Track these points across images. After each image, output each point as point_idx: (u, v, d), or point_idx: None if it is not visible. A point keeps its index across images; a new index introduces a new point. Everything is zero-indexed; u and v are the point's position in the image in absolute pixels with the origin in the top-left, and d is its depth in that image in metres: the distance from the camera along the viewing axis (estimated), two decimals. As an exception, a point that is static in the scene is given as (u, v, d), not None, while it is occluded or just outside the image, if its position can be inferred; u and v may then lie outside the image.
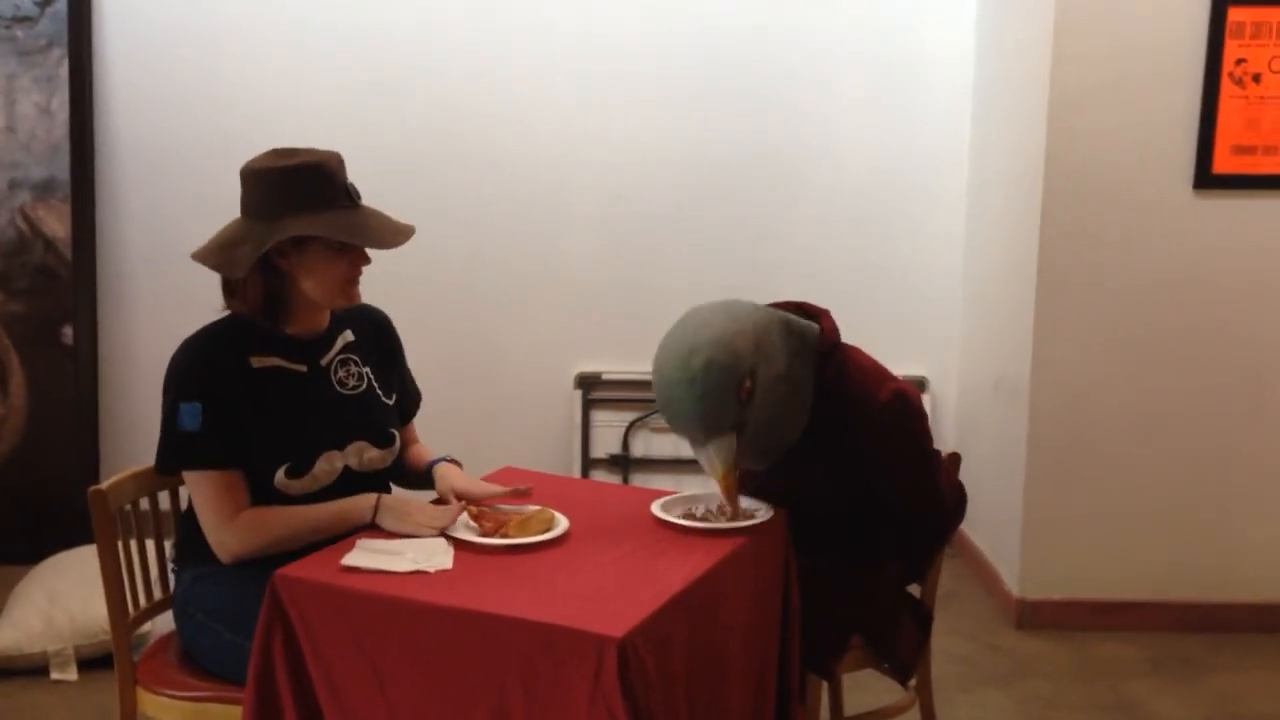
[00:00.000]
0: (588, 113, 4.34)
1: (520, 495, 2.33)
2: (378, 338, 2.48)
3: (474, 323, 4.41)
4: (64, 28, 4.13)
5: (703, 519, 2.24)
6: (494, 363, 4.43)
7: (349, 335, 2.40)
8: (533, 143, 4.34)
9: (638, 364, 4.43)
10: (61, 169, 4.16)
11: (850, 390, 2.28)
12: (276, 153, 2.24)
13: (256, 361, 2.25)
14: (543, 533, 2.10)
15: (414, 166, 4.28)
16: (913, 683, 2.61)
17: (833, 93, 4.35)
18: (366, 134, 4.22)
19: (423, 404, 2.61)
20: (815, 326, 2.31)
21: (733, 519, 2.23)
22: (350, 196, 2.25)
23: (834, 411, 2.28)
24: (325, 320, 2.36)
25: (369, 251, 2.28)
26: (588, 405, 4.43)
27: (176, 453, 2.21)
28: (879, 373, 2.33)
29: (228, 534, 2.17)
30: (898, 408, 2.28)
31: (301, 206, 2.19)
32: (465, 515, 2.17)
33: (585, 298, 4.45)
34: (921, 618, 2.56)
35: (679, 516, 2.24)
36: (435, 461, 2.44)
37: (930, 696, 2.65)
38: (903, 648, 2.50)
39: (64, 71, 4.14)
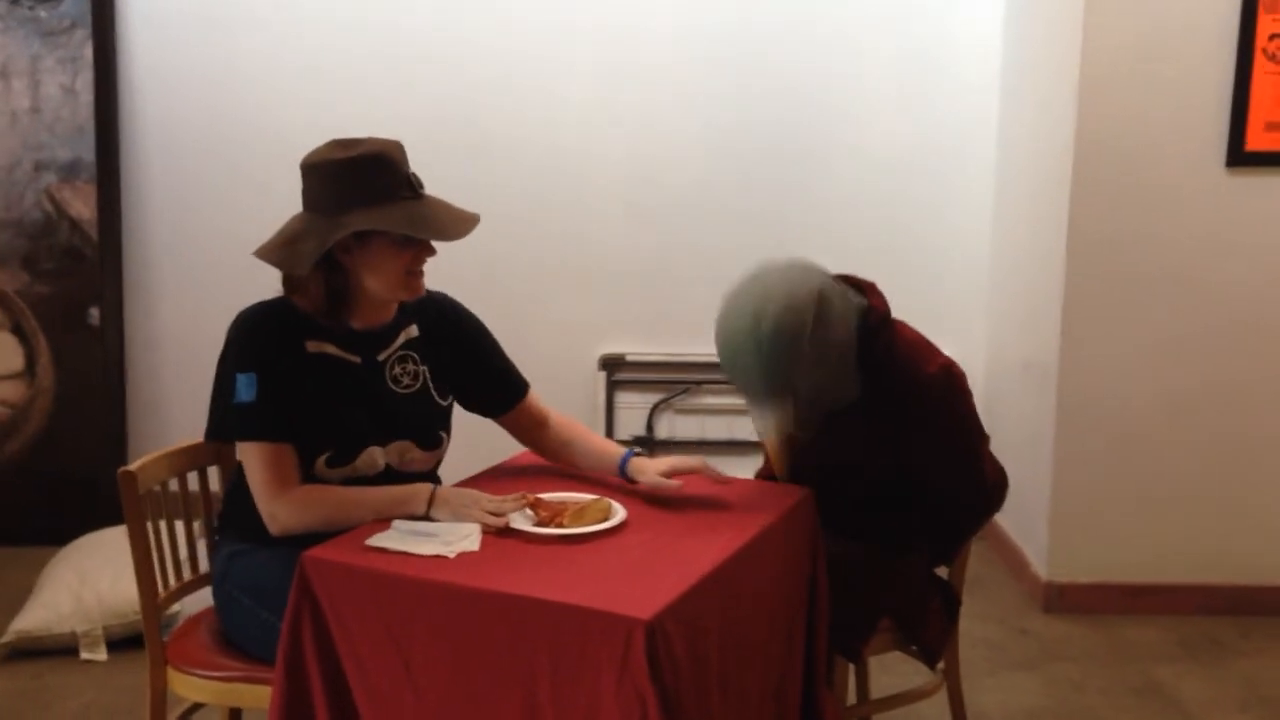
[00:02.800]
0: (612, 96, 4.31)
1: (721, 483, 2.29)
2: (445, 334, 2.41)
3: (498, 306, 4.32)
4: (87, 8, 4.13)
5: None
6: (518, 345, 4.34)
7: (413, 331, 2.36)
8: (557, 126, 4.33)
9: (662, 345, 4.42)
10: (87, 150, 4.17)
11: (898, 364, 2.26)
12: (337, 144, 2.21)
13: (311, 346, 2.24)
14: (599, 522, 2.08)
15: (437, 151, 4.20)
16: (940, 666, 2.60)
17: (859, 75, 4.31)
18: (389, 118, 4.18)
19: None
20: (864, 300, 2.29)
21: (776, 477, 2.22)
22: (413, 186, 2.21)
23: (881, 385, 2.27)
24: (391, 313, 2.33)
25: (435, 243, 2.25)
26: (612, 387, 4.42)
27: (231, 422, 2.20)
28: (928, 347, 2.32)
29: (279, 506, 2.16)
30: (945, 382, 2.27)
31: (364, 200, 2.16)
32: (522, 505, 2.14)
33: (609, 280, 4.43)
34: (949, 601, 2.54)
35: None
36: (628, 457, 2.35)
37: (958, 680, 2.64)
38: (930, 631, 2.49)
39: (88, 52, 4.14)
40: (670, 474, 2.27)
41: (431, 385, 2.37)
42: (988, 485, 2.42)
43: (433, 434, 2.35)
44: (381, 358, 2.31)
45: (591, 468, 2.42)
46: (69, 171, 4.17)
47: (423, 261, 2.25)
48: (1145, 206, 3.60)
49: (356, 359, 2.27)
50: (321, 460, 2.21)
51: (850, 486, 2.37)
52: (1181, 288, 3.64)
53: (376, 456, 2.25)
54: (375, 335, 2.31)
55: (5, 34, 4.11)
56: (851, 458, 2.36)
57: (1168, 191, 3.59)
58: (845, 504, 2.36)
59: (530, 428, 2.51)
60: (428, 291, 2.41)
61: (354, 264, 2.21)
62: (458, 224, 2.22)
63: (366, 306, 2.28)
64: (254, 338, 2.20)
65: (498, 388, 2.49)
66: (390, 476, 2.27)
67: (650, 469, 2.29)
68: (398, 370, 2.32)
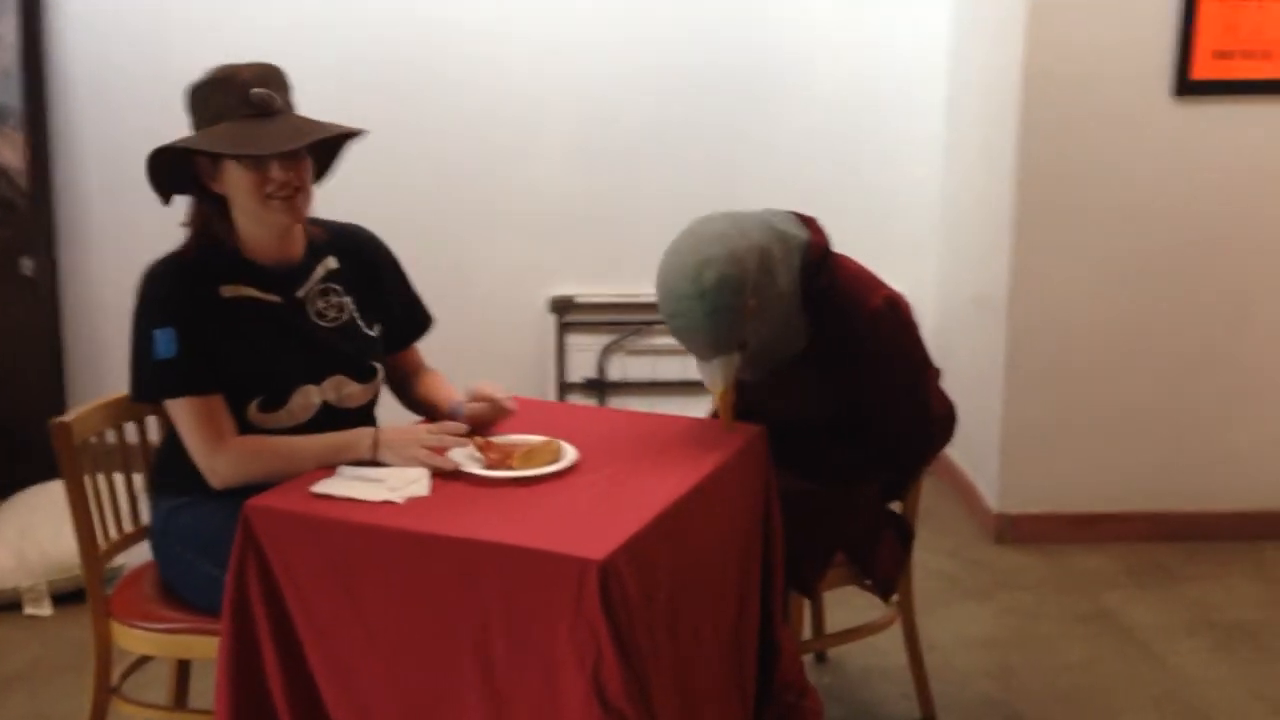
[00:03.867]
0: (559, 35, 4.23)
1: (503, 412, 2.25)
2: (363, 264, 2.35)
3: (444, 246, 4.33)
4: (10, -53, 3.98)
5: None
6: (465, 287, 4.36)
7: (331, 263, 2.30)
8: (501, 60, 4.24)
9: (612, 286, 4.38)
10: (13, 96, 4.03)
11: (840, 298, 2.25)
12: (211, 69, 2.14)
13: (226, 291, 2.17)
14: (549, 464, 2.05)
15: (377, 84, 4.16)
16: (894, 598, 2.61)
17: (807, 12, 4.25)
18: (328, 51, 4.10)
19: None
20: (804, 236, 2.27)
21: (727, 430, 2.20)
22: (253, 104, 2.08)
23: (825, 321, 2.25)
24: (298, 248, 2.25)
25: (323, 167, 2.21)
26: (562, 329, 4.38)
27: (154, 381, 2.14)
28: (870, 280, 2.30)
29: (219, 460, 2.11)
30: (888, 314, 2.26)
31: (204, 123, 2.10)
32: (470, 447, 2.10)
33: (557, 219, 4.37)
34: (903, 534, 2.55)
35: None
36: (458, 406, 2.28)
37: (912, 611, 2.66)
38: (884, 564, 2.49)
39: (12, -6, 4.00)
40: (476, 399, 2.23)
41: (358, 316, 2.31)
42: (934, 418, 2.41)
43: (365, 365, 2.29)
44: (301, 294, 2.24)
45: (428, 406, 2.38)
46: (-5, 118, 4.04)
47: (280, 183, 2.11)
48: (1094, 137, 3.59)
49: (276, 298, 2.21)
50: (253, 406, 2.15)
51: (800, 422, 2.36)
52: (1130, 216, 3.64)
53: (311, 395, 2.20)
54: (291, 272, 2.24)
55: (-77, -26, 3.95)
56: (800, 394, 2.35)
57: (1116, 122, 3.58)
58: (795, 440, 2.34)
59: (411, 371, 2.47)
60: (345, 224, 2.36)
61: (223, 190, 2.14)
62: (285, 138, 2.08)
63: (262, 239, 2.19)
64: (166, 290, 2.14)
65: (405, 321, 2.44)
66: (328, 414, 2.22)
67: (469, 409, 2.24)
68: (321, 304, 2.26)
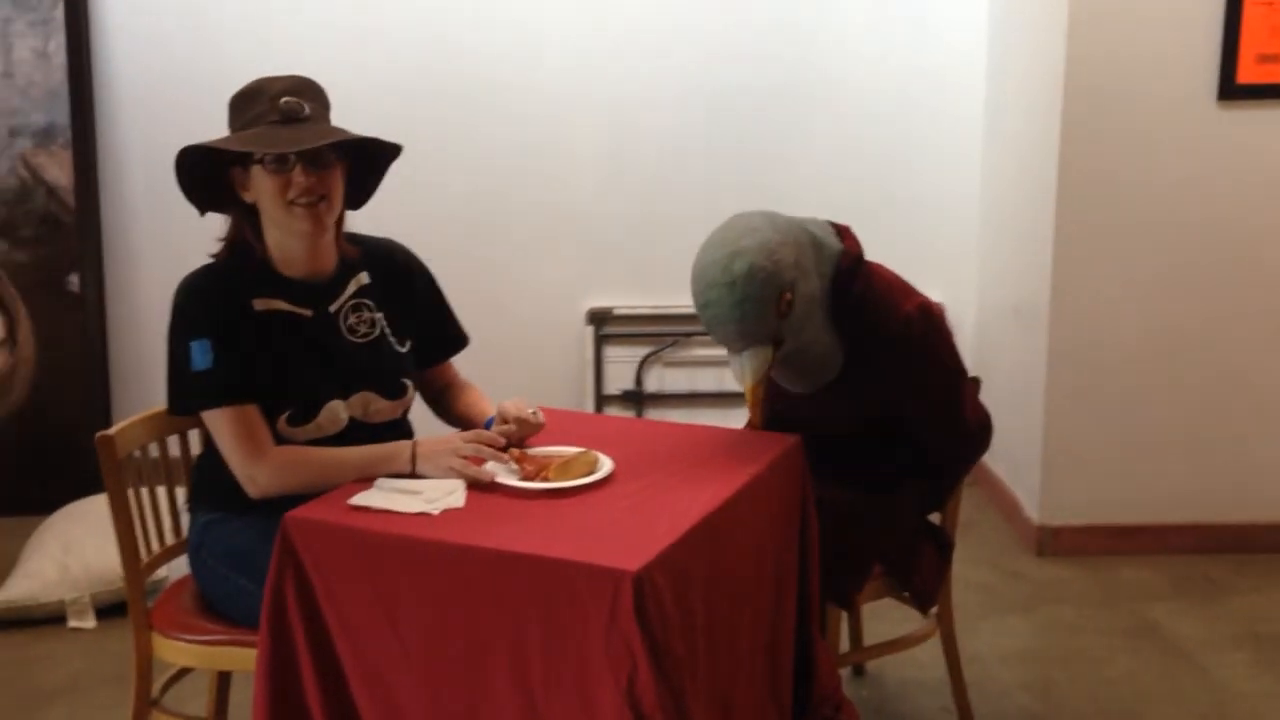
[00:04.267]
0: (593, 46, 4.24)
1: (532, 428, 2.25)
2: (396, 281, 2.37)
3: (482, 260, 4.35)
4: (56, -31, 4.05)
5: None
6: (504, 300, 4.38)
7: (364, 279, 2.31)
8: (537, 73, 4.26)
9: (650, 298, 4.38)
10: (61, 114, 4.10)
11: (873, 306, 2.24)
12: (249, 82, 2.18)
13: (259, 304, 2.19)
14: (585, 475, 2.05)
15: (417, 101, 4.20)
16: (934, 611, 2.59)
17: (844, 21, 4.24)
18: (367, 68, 4.14)
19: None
20: (838, 244, 2.27)
21: (753, 427, 2.21)
22: (281, 112, 2.10)
23: (857, 330, 2.24)
24: (330, 262, 2.27)
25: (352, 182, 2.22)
26: (600, 341, 4.39)
27: (192, 392, 2.16)
28: (903, 288, 2.29)
29: (258, 469, 2.12)
30: (921, 322, 2.25)
31: (236, 130, 2.14)
32: (507, 459, 2.10)
33: (595, 231, 4.38)
34: (942, 545, 2.53)
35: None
36: (491, 421, 2.28)
37: (951, 624, 2.64)
38: (923, 576, 2.47)
39: (60, 14, 4.06)
40: (502, 421, 2.22)
41: (389, 332, 2.32)
42: (969, 426, 2.40)
43: (395, 382, 2.30)
44: (333, 308, 2.26)
45: (464, 421, 2.39)
46: (44, 136, 4.10)
47: (302, 187, 2.11)
48: (1136, 143, 3.55)
49: (308, 312, 2.23)
50: (283, 419, 2.17)
51: (836, 432, 2.34)
52: (1173, 225, 3.60)
53: (338, 411, 2.21)
54: (323, 286, 2.26)
55: (-28, -3, 4.03)
56: (835, 404, 2.34)
57: (1158, 127, 3.55)
58: (833, 450, 2.33)
59: (446, 386, 2.48)
60: (379, 240, 2.37)
61: (254, 199, 2.17)
62: (307, 138, 2.09)
63: (293, 250, 2.21)
64: (201, 302, 2.16)
65: (438, 339, 2.45)
66: (356, 429, 2.23)
67: (498, 430, 2.21)
68: (352, 319, 2.27)
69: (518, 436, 2.22)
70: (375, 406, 2.26)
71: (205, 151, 2.14)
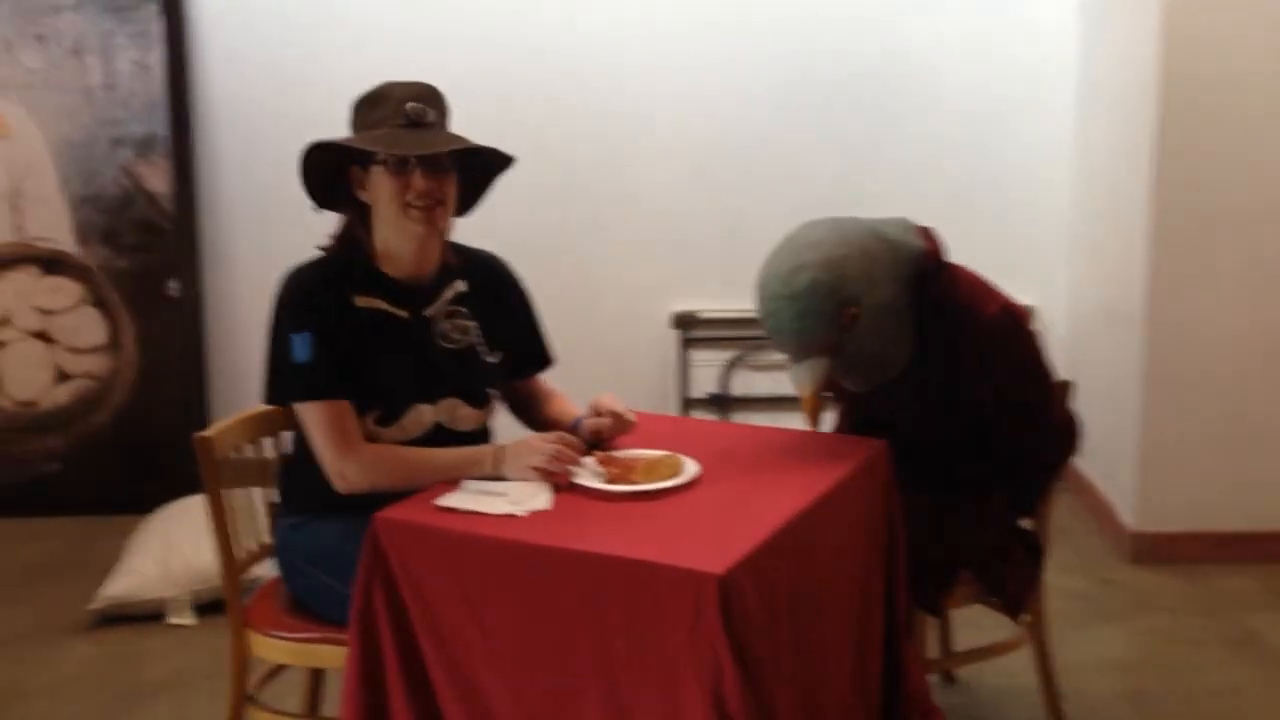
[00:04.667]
0: (677, 49, 4.25)
1: (624, 426, 2.27)
2: (493, 293, 2.40)
3: (569, 264, 4.38)
4: (156, -18, 4.16)
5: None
6: (589, 304, 4.41)
7: (460, 286, 2.34)
8: (620, 77, 4.28)
9: (735, 301, 4.36)
10: (161, 125, 4.21)
11: (955, 308, 2.22)
12: (373, 86, 2.24)
13: (359, 300, 2.23)
14: (670, 478, 2.06)
15: (505, 104, 4.23)
16: (1026, 618, 2.55)
17: (932, 21, 4.21)
18: (456, 76, 4.13)
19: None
20: (917, 245, 2.24)
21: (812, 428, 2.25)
22: (408, 116, 2.16)
23: (940, 332, 2.22)
24: (432, 267, 2.30)
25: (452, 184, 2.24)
26: (685, 345, 4.39)
27: (290, 384, 2.21)
28: (986, 290, 2.26)
29: (347, 465, 2.16)
30: (1005, 324, 2.22)
31: (359, 131, 2.20)
32: (592, 461, 2.13)
33: (680, 235, 4.39)
34: (1033, 551, 2.48)
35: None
36: (579, 421, 2.32)
37: (1044, 632, 2.59)
38: (1013, 582, 2.43)
39: (159, 27, 4.17)
40: (597, 412, 2.26)
41: (480, 342, 2.34)
42: (1055, 429, 2.35)
43: (480, 392, 2.32)
44: (429, 313, 2.29)
45: (553, 426, 2.38)
46: (144, 146, 4.22)
47: (420, 190, 2.17)
48: (1234, 141, 3.47)
49: (404, 314, 2.27)
50: (371, 419, 2.21)
51: (923, 436, 2.32)
52: (1274, 224, 3.51)
53: (424, 414, 2.24)
54: (422, 290, 2.29)
55: (77, 11, 4.15)
56: (920, 407, 2.32)
57: (1258, 125, 3.46)
58: (920, 454, 2.31)
59: (534, 399, 2.49)
60: (479, 251, 2.40)
61: (369, 199, 2.23)
62: (431, 143, 2.16)
63: (400, 251, 2.25)
64: (305, 296, 2.21)
65: (528, 355, 2.47)
66: (440, 433, 2.26)
67: (589, 424, 2.27)
68: (446, 326, 2.30)
69: (610, 432, 2.25)
70: (461, 413, 2.29)
71: (329, 149, 2.20)
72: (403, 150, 2.15)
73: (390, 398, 2.22)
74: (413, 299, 2.28)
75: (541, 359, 2.50)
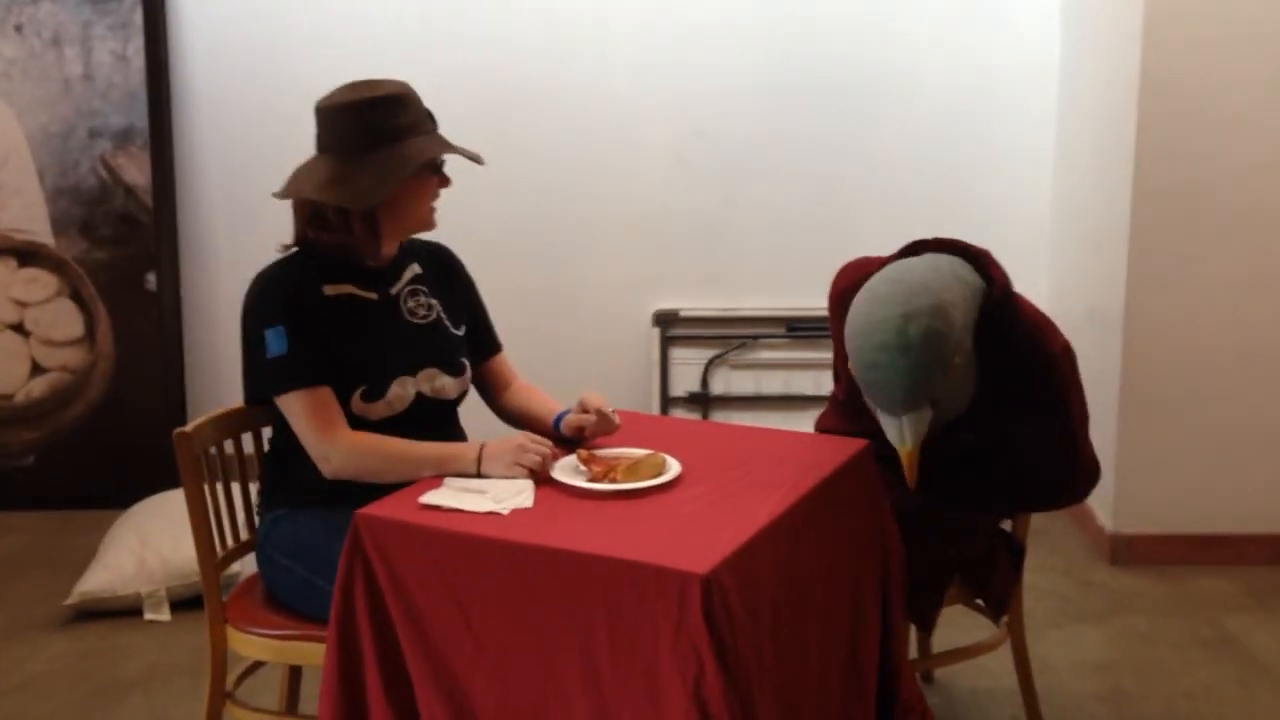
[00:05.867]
0: (660, 46, 4.25)
1: (608, 426, 2.28)
2: (444, 275, 2.48)
3: (550, 261, 4.38)
4: (136, -27, 4.13)
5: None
6: (571, 301, 4.40)
7: (416, 268, 2.41)
8: (603, 75, 4.27)
9: (716, 300, 4.38)
10: (139, 116, 4.18)
11: (1022, 341, 2.20)
12: (354, 86, 2.23)
13: (330, 289, 2.27)
14: (653, 477, 2.06)
15: (485, 104, 4.22)
16: (1004, 620, 2.56)
17: (913, 20, 4.21)
18: (437, 72, 4.13)
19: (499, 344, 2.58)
20: (982, 281, 2.17)
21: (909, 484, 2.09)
22: (433, 120, 2.29)
23: (997, 363, 2.16)
24: (394, 250, 2.38)
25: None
26: (666, 343, 4.39)
27: (268, 379, 2.22)
28: (1048, 325, 2.26)
29: (332, 449, 2.17)
30: (1065, 362, 2.23)
31: (393, 136, 2.21)
32: (574, 459, 2.14)
33: (661, 233, 4.38)
34: (1014, 552, 2.49)
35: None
36: (561, 416, 2.34)
37: (1022, 632, 2.60)
38: (997, 584, 2.44)
39: (139, 18, 4.14)
40: (583, 410, 2.29)
41: (444, 315, 2.41)
42: (1084, 469, 2.35)
43: (455, 360, 2.39)
44: (394, 291, 2.35)
45: (529, 417, 2.45)
46: (122, 138, 4.19)
47: (441, 189, 2.33)
48: (1214, 146, 3.48)
49: (373, 295, 2.32)
50: (357, 395, 2.23)
51: (943, 448, 2.26)
52: (1253, 226, 3.53)
53: (408, 386, 2.28)
54: (385, 272, 2.36)
55: (56, 1, 4.12)
56: (958, 427, 2.23)
57: (1237, 130, 3.47)
58: (933, 463, 2.26)
59: (503, 384, 2.54)
60: (427, 240, 2.47)
61: (400, 198, 2.26)
62: (450, 148, 2.29)
63: (389, 241, 2.34)
64: (275, 291, 2.24)
65: (479, 339, 2.51)
66: (422, 405, 2.29)
67: (571, 420, 2.30)
68: (411, 303, 2.37)
69: (592, 430, 2.26)
70: (440, 382, 2.33)
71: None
72: (445, 152, 2.26)
73: (373, 374, 2.25)
74: (379, 281, 2.34)
75: (490, 345, 2.55)
